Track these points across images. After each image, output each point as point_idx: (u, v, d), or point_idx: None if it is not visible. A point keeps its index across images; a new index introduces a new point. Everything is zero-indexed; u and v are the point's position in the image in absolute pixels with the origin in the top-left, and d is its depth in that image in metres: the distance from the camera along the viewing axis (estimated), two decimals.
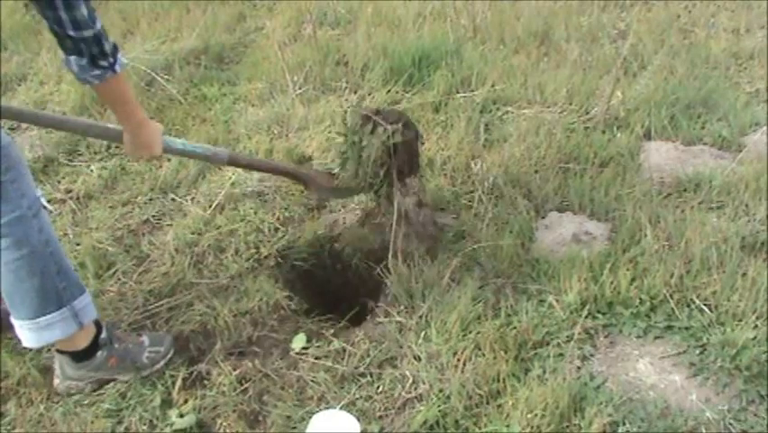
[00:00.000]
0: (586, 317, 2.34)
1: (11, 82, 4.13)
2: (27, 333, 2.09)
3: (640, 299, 2.40)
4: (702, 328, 2.30)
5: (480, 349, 2.25)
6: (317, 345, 2.36)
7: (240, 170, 3.19)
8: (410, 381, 2.20)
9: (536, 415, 2.02)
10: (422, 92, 3.76)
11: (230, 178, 3.14)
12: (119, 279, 2.67)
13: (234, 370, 2.26)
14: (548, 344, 2.29)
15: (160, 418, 2.13)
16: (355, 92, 3.76)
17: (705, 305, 2.37)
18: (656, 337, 2.30)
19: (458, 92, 3.72)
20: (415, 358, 2.27)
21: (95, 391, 2.23)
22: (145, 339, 2.31)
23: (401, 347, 2.32)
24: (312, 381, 2.23)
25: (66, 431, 2.10)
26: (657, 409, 2.07)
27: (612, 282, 2.43)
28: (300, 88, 3.78)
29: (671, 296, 2.40)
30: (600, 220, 2.83)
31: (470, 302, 2.40)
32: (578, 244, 2.68)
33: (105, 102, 2.07)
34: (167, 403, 2.18)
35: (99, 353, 2.21)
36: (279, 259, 2.74)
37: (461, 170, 3.14)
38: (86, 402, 2.20)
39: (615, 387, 2.14)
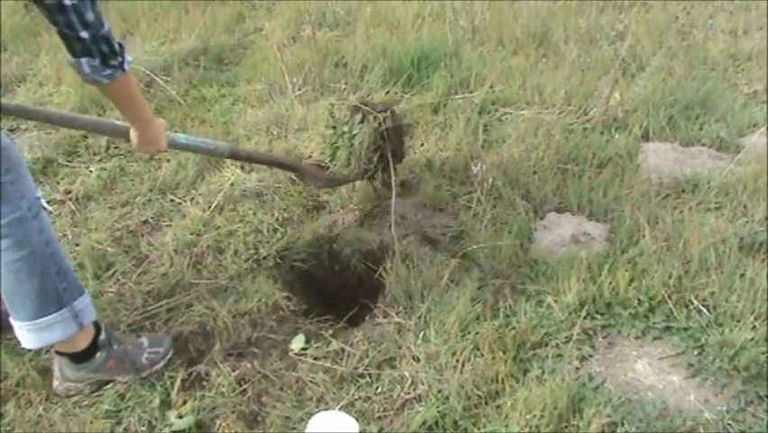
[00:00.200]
0: (584, 317, 2.35)
1: (10, 83, 4.13)
2: (27, 334, 2.09)
3: (638, 299, 2.40)
4: (701, 329, 2.30)
5: (478, 350, 2.26)
6: (316, 345, 2.36)
7: (239, 171, 3.19)
8: (409, 381, 2.20)
9: (535, 415, 2.02)
10: (421, 93, 3.76)
11: (229, 179, 3.14)
12: (118, 279, 2.67)
13: (233, 371, 2.26)
14: (547, 344, 2.30)
15: (158, 419, 2.13)
16: (354, 93, 3.76)
17: (703, 306, 2.37)
18: (655, 338, 2.30)
19: (457, 93, 3.72)
20: (413, 359, 2.27)
21: (93, 392, 2.23)
22: (144, 340, 2.31)
23: (400, 348, 2.32)
24: (311, 381, 2.23)
25: (65, 432, 2.10)
26: (656, 409, 2.07)
27: (611, 283, 2.43)
28: (299, 89, 3.78)
29: (669, 297, 2.40)
30: (599, 221, 2.84)
31: (468, 303, 2.41)
32: (576, 245, 2.68)
33: (114, 101, 2.09)
34: (166, 404, 2.17)
35: (98, 354, 2.21)
36: (278, 260, 2.74)
37: (460, 170, 3.15)
38: (84, 403, 2.19)
39: (613, 388, 2.14)
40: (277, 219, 2.90)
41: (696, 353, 2.24)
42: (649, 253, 2.57)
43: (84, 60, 1.83)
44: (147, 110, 2.19)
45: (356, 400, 2.17)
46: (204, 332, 2.43)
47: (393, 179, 2.81)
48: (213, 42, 4.49)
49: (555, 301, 2.42)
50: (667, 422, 2.04)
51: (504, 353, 2.23)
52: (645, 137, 3.38)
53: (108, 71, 1.88)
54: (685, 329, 2.31)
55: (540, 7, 4.63)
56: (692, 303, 2.39)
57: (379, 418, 2.11)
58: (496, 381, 2.16)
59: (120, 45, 1.90)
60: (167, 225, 2.94)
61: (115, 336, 2.29)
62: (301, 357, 2.32)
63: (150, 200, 3.09)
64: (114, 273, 2.69)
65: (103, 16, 1.82)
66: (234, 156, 2.73)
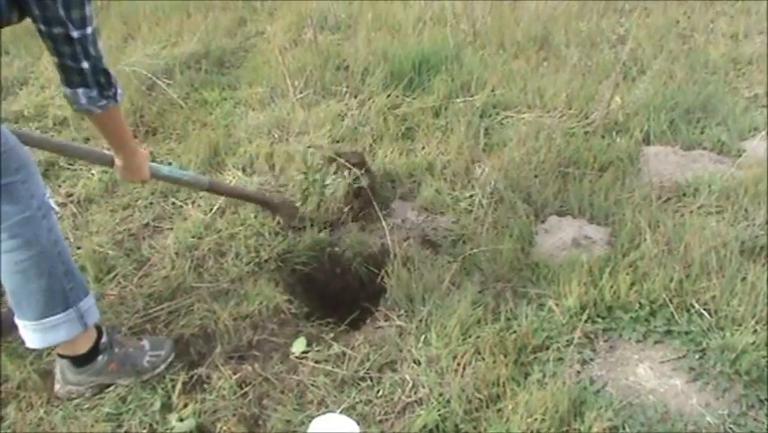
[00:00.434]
0: (586, 321, 2.35)
1: (12, 86, 4.13)
2: (32, 334, 2.09)
3: (640, 303, 2.40)
4: (702, 333, 2.30)
5: (479, 353, 2.25)
6: (317, 348, 2.36)
7: (240, 173, 3.20)
8: (410, 385, 2.20)
9: (536, 419, 2.02)
10: (422, 96, 3.76)
11: (230, 182, 3.15)
12: (119, 282, 2.67)
13: (234, 374, 2.26)
14: (548, 348, 2.29)
15: (159, 422, 2.13)
16: (355, 96, 3.77)
17: (704, 309, 2.37)
18: (656, 342, 2.30)
19: (458, 96, 3.73)
20: (414, 362, 2.27)
21: (95, 395, 2.23)
22: (146, 343, 2.31)
23: (401, 351, 2.32)
24: (312, 385, 2.23)
25: None
26: (657, 413, 2.07)
27: (612, 287, 2.43)
28: (301, 93, 3.79)
29: (670, 300, 2.40)
30: (600, 224, 2.84)
31: (469, 306, 2.41)
32: (577, 249, 2.68)
33: (103, 130, 2.11)
34: (167, 407, 2.17)
35: (100, 357, 2.21)
36: (280, 263, 2.74)
37: (461, 174, 3.15)
38: (86, 406, 2.19)
39: (614, 391, 2.14)
40: (278, 222, 2.90)
41: (697, 357, 2.24)
42: (650, 257, 2.57)
43: (81, 91, 1.87)
44: (132, 139, 2.25)
45: (357, 403, 2.16)
46: (205, 335, 2.43)
47: (386, 227, 2.85)
48: (214, 46, 4.50)
49: (556, 305, 2.42)
50: (668, 426, 2.04)
51: (505, 356, 2.23)
52: (646, 141, 3.38)
53: (103, 102, 1.92)
54: (686, 333, 2.31)
55: (541, 11, 4.63)
56: (693, 307, 2.39)
57: (380, 421, 2.11)
58: (497, 384, 2.16)
59: (113, 76, 1.95)
60: (168, 228, 2.94)
61: (117, 340, 2.29)
62: (302, 360, 2.32)
63: (151, 203, 3.09)
64: (115, 276, 2.69)
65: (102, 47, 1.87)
66: (213, 189, 2.77)
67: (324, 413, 2.10)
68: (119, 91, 1.98)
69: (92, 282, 2.63)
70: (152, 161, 3.27)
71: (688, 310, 2.39)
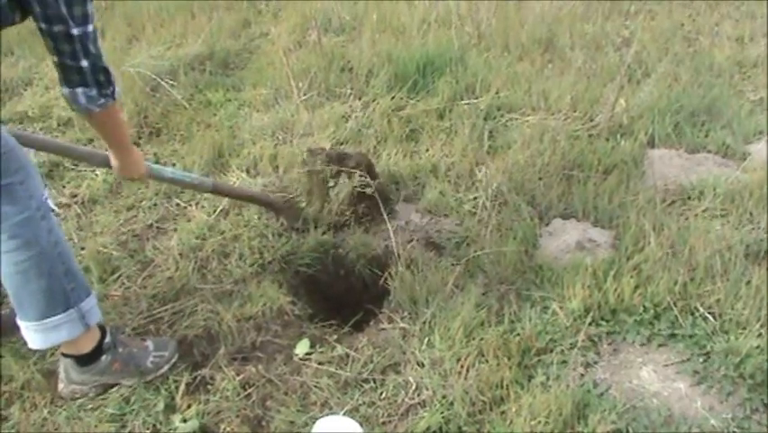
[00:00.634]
0: (590, 324, 2.34)
1: (17, 87, 4.14)
2: (33, 334, 2.09)
3: (644, 306, 2.40)
4: (706, 336, 2.29)
5: (483, 356, 2.25)
6: (321, 350, 2.36)
7: (244, 175, 3.20)
8: (413, 387, 2.20)
9: (540, 422, 2.02)
10: (426, 98, 3.76)
11: (234, 183, 3.15)
12: (123, 283, 2.67)
13: (238, 375, 2.26)
14: (551, 351, 2.29)
15: (163, 422, 2.13)
16: (359, 98, 3.77)
17: (709, 313, 2.37)
18: (660, 345, 2.30)
19: (462, 98, 3.73)
20: (418, 364, 2.27)
21: (99, 395, 2.23)
22: (149, 344, 2.31)
23: (404, 353, 2.32)
24: (315, 386, 2.23)
25: None
26: (661, 416, 2.07)
27: (616, 290, 2.43)
28: (305, 94, 3.79)
29: (674, 303, 2.39)
30: (604, 227, 2.84)
31: (473, 309, 2.41)
32: (581, 251, 2.68)
33: (100, 128, 2.10)
34: (170, 408, 2.17)
35: (104, 357, 2.21)
36: (283, 264, 2.74)
37: (465, 176, 3.15)
38: (89, 407, 2.20)
39: (618, 394, 2.14)
40: (282, 224, 2.90)
41: (701, 360, 2.23)
42: (654, 260, 2.57)
43: (80, 91, 1.87)
44: (128, 137, 2.27)
45: (360, 405, 2.16)
46: (208, 336, 2.43)
47: (390, 229, 2.83)
48: (219, 47, 4.50)
49: (560, 308, 2.42)
50: (672, 429, 2.03)
51: (509, 359, 2.22)
52: (651, 144, 3.38)
53: (102, 101, 1.91)
54: (690, 336, 2.30)
55: (546, 13, 4.63)
56: (698, 310, 2.38)
57: (384, 423, 2.11)
58: (500, 387, 2.15)
59: (112, 74, 1.94)
60: (172, 230, 2.94)
61: (121, 340, 2.29)
62: (306, 362, 2.32)
63: (155, 204, 3.09)
64: (119, 277, 2.70)
65: (101, 46, 1.87)
66: (216, 191, 2.78)
67: (327, 415, 2.10)
68: (117, 89, 1.97)
69: (96, 283, 2.63)
70: (156, 162, 3.29)
71: (692, 314, 2.38)
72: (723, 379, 2.16)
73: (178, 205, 3.09)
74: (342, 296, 2.78)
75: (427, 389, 2.18)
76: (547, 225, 2.88)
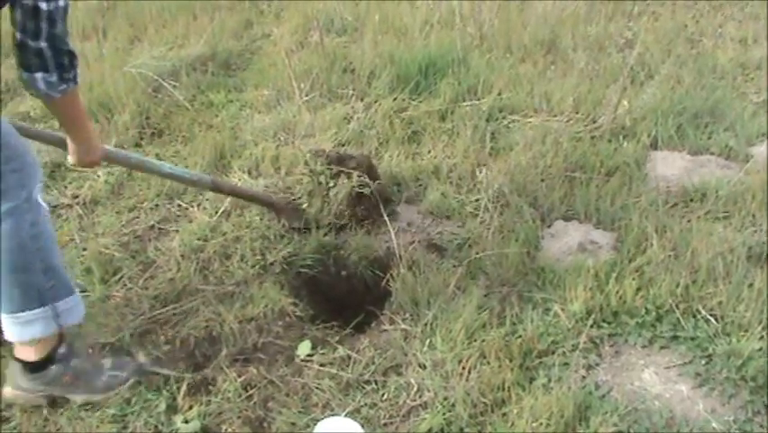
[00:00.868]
0: (591, 326, 2.34)
1: (19, 87, 4.14)
2: (10, 326, 2.07)
3: (646, 308, 2.39)
4: (708, 339, 2.29)
5: (485, 357, 2.25)
6: (322, 351, 2.36)
7: (246, 176, 3.20)
8: (415, 388, 2.20)
9: (541, 424, 2.02)
10: (428, 100, 3.76)
11: (236, 184, 3.15)
12: (125, 284, 2.67)
13: (239, 376, 2.26)
14: (553, 353, 2.29)
15: (164, 423, 2.13)
16: (361, 99, 3.77)
17: (711, 315, 2.36)
18: (662, 347, 2.30)
19: (464, 100, 3.72)
20: (420, 366, 2.27)
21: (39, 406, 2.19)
22: (107, 362, 2.25)
23: (406, 355, 2.32)
24: (317, 387, 2.23)
25: None
26: (662, 419, 2.06)
27: (618, 292, 2.42)
28: (307, 95, 3.79)
29: (676, 306, 2.39)
30: (606, 229, 2.83)
31: (475, 310, 2.40)
32: (583, 253, 2.68)
33: (61, 114, 2.02)
34: (172, 409, 2.17)
35: (54, 367, 2.15)
36: (285, 266, 2.74)
37: (467, 178, 3.15)
38: (90, 407, 2.19)
39: (620, 397, 2.14)
40: (283, 225, 2.90)
41: (703, 362, 2.23)
42: (656, 262, 2.56)
43: (39, 76, 1.80)
44: (88, 120, 2.18)
45: (362, 406, 2.16)
46: (210, 337, 2.43)
47: (391, 231, 2.85)
48: (221, 48, 4.50)
49: (562, 309, 2.42)
50: (674, 432, 2.03)
51: (510, 361, 2.22)
52: (654, 146, 3.37)
53: (63, 86, 1.84)
54: (692, 339, 2.30)
55: (548, 14, 4.62)
56: (700, 312, 2.38)
57: (385, 424, 2.11)
58: (502, 388, 2.15)
59: (76, 57, 1.87)
60: (174, 231, 2.94)
61: (79, 352, 2.24)
62: (307, 363, 2.32)
63: (157, 205, 3.09)
64: (120, 278, 2.70)
65: (68, 33, 1.80)
66: (216, 188, 2.78)
67: (328, 416, 2.10)
68: (79, 71, 1.89)
69: (97, 284, 2.63)
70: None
71: (694, 316, 2.38)
72: (725, 381, 2.16)
73: (179, 206, 3.08)
74: (343, 297, 2.78)
75: (429, 390, 2.18)
76: (549, 226, 2.87)
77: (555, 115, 3.60)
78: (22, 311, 2.03)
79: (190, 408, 2.17)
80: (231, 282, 2.65)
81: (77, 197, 3.15)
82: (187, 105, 3.84)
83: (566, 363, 2.24)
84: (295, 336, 2.44)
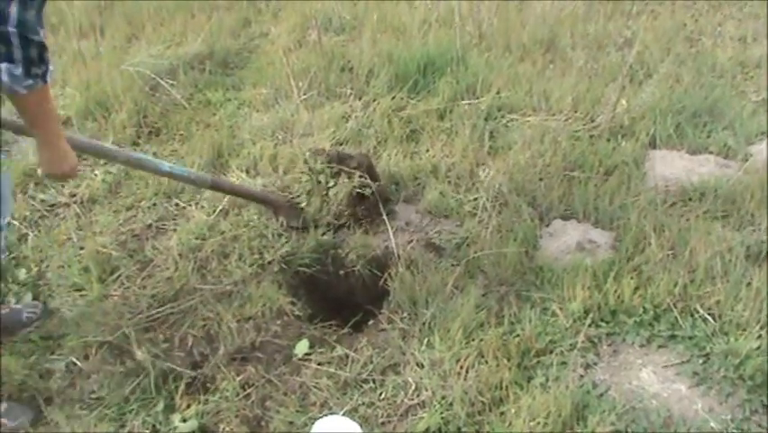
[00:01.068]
0: (589, 325, 2.34)
1: None
2: None
3: (644, 307, 2.39)
4: (706, 338, 2.29)
5: (482, 356, 2.25)
6: (320, 351, 2.36)
7: (244, 175, 3.20)
8: (413, 387, 2.20)
9: (539, 423, 2.02)
10: (427, 99, 3.76)
11: (235, 183, 3.14)
12: (123, 283, 2.67)
13: (237, 375, 2.26)
14: (551, 352, 2.29)
15: (162, 422, 2.13)
16: (360, 98, 3.76)
17: (709, 314, 2.36)
18: (660, 346, 2.30)
19: (463, 99, 3.72)
20: (417, 365, 2.27)
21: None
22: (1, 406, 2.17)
23: (404, 354, 2.32)
24: (315, 386, 2.23)
25: None
26: (660, 418, 2.06)
27: (616, 291, 2.42)
28: (305, 94, 3.78)
29: (674, 305, 2.39)
30: (605, 228, 2.83)
31: (473, 310, 2.40)
32: (582, 252, 2.68)
33: (28, 114, 1.83)
34: (170, 408, 2.18)
35: None
36: (283, 265, 2.74)
37: (466, 177, 3.14)
38: (89, 406, 2.19)
39: (618, 395, 2.14)
40: (281, 224, 2.89)
41: (701, 361, 2.23)
42: (655, 261, 2.56)
43: (3, 67, 1.66)
44: (58, 127, 1.96)
45: (360, 405, 2.16)
46: (208, 336, 2.43)
47: (390, 230, 2.85)
48: (218, 46, 4.50)
49: (560, 309, 2.41)
50: (671, 430, 2.03)
51: (508, 360, 2.22)
52: (652, 144, 3.37)
53: (29, 81, 1.70)
54: (690, 338, 2.30)
55: (547, 13, 4.62)
56: (698, 312, 2.38)
57: (383, 423, 2.11)
58: (500, 387, 2.15)
59: (48, 53, 1.74)
60: (172, 230, 2.94)
61: None
62: (305, 362, 2.32)
63: (154, 204, 3.09)
64: (118, 277, 2.70)
65: (43, 23, 1.69)
66: (216, 187, 2.77)
67: (326, 415, 2.10)
68: (50, 69, 1.75)
69: (95, 283, 2.64)
70: None
71: (692, 315, 2.38)
72: (722, 380, 2.16)
73: (177, 205, 3.08)
74: (341, 296, 2.78)
75: (427, 389, 2.18)
76: (548, 226, 2.87)
77: (554, 114, 3.60)
78: None
79: (188, 407, 2.17)
80: (229, 281, 2.65)
81: (74, 195, 3.15)
82: (184, 103, 3.83)
83: (564, 363, 2.24)
84: (293, 335, 2.44)
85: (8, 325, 2.37)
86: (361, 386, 2.23)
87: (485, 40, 4.31)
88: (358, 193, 2.85)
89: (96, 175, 3.27)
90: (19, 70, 1.67)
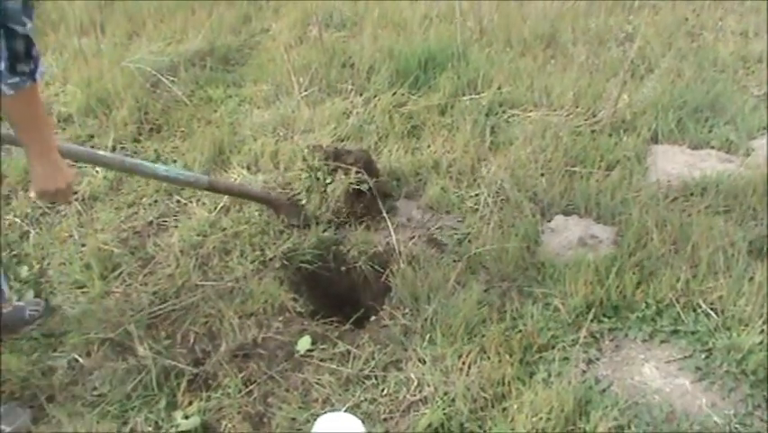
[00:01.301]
0: (591, 320, 2.34)
1: None
2: None
3: (646, 303, 2.39)
4: (708, 333, 2.29)
5: (485, 352, 2.25)
6: (322, 347, 2.36)
7: (245, 171, 3.19)
8: (415, 383, 2.20)
9: (541, 418, 2.02)
10: (428, 94, 3.75)
11: (235, 180, 3.14)
12: (124, 280, 2.67)
13: (239, 372, 2.26)
14: (553, 347, 2.29)
15: (165, 419, 2.13)
16: (361, 94, 3.76)
17: (711, 309, 2.36)
18: (662, 341, 2.29)
19: (464, 94, 3.71)
20: (419, 361, 2.27)
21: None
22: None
23: (406, 350, 2.32)
24: (317, 383, 2.23)
25: (71, 432, 2.10)
26: (663, 413, 2.06)
27: (618, 286, 2.42)
28: (306, 90, 3.78)
29: (677, 300, 2.39)
30: (606, 224, 2.83)
31: (475, 305, 2.40)
32: (584, 248, 2.67)
33: (15, 118, 1.64)
34: (172, 405, 2.18)
35: None
36: (285, 261, 2.74)
37: (467, 173, 3.14)
38: (91, 403, 2.19)
39: (620, 391, 2.13)
40: (283, 220, 2.89)
41: (703, 356, 2.23)
42: (657, 257, 2.56)
43: None
44: (52, 136, 1.77)
45: (362, 401, 2.16)
46: (210, 333, 2.43)
47: (391, 226, 2.85)
48: (219, 43, 4.49)
49: (562, 304, 2.41)
50: (674, 426, 2.03)
51: (510, 355, 2.22)
52: (654, 139, 3.37)
53: (15, 79, 1.54)
54: (693, 333, 2.30)
55: (548, 9, 4.61)
56: (700, 307, 2.37)
57: (385, 419, 2.11)
58: (502, 383, 2.15)
59: (38, 51, 1.58)
60: (173, 226, 2.94)
61: None
62: (307, 359, 2.32)
63: (156, 201, 3.09)
64: (120, 274, 2.70)
65: (32, 12, 1.53)
66: (213, 188, 2.76)
67: (328, 411, 2.10)
68: (41, 69, 1.60)
69: (97, 280, 2.64)
70: (156, 160, 3.29)
71: (694, 310, 2.38)
72: (725, 375, 2.16)
73: (178, 202, 3.08)
74: (343, 293, 2.78)
75: (429, 385, 2.18)
76: (549, 221, 2.87)
77: (555, 110, 3.59)
78: None
79: (190, 403, 2.17)
80: (230, 278, 2.65)
81: (75, 193, 3.14)
82: (185, 100, 3.83)
83: (566, 358, 2.24)
84: (295, 331, 2.44)
85: (10, 322, 2.37)
86: (364, 382, 2.23)
87: (486, 35, 4.30)
88: (356, 189, 2.84)
89: (97, 172, 3.27)
90: (2, 66, 1.50)
